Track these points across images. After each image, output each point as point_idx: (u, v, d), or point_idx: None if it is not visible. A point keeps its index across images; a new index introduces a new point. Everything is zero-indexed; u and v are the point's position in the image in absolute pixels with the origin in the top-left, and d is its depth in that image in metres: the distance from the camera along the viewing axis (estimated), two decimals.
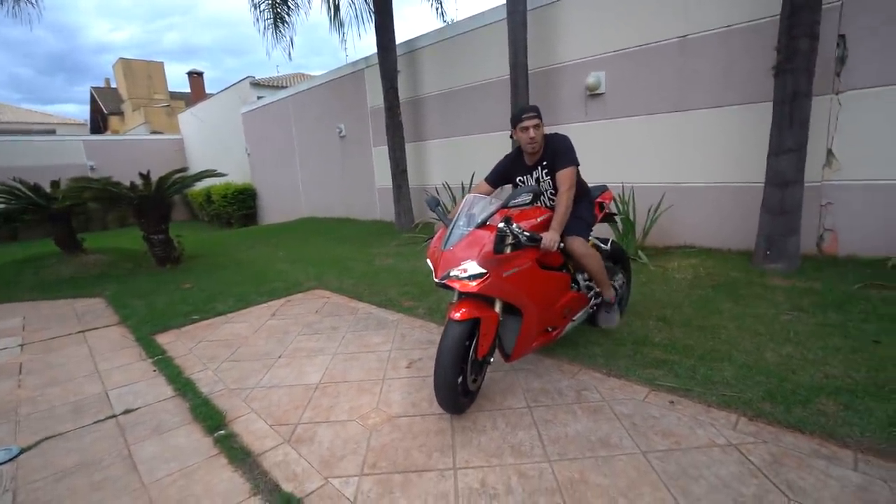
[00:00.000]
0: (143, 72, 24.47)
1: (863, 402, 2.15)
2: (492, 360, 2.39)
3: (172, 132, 20.27)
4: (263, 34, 8.48)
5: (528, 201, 2.26)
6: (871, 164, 4.14)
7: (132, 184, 6.28)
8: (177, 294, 5.13)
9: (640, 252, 4.87)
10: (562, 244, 2.49)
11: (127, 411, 2.66)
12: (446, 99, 7.83)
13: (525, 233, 2.19)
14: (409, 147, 8.21)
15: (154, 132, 21.18)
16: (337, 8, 8.86)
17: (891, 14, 3.89)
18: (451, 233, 2.29)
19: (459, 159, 7.76)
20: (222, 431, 2.37)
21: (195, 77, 23.16)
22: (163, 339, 3.78)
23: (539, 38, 6.05)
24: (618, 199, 4.99)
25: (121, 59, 24.21)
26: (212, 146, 17.30)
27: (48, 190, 6.98)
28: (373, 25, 7.75)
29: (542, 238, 2.28)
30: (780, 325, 3.08)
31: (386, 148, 8.14)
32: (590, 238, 2.84)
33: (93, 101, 27.92)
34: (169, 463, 2.15)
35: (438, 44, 7.75)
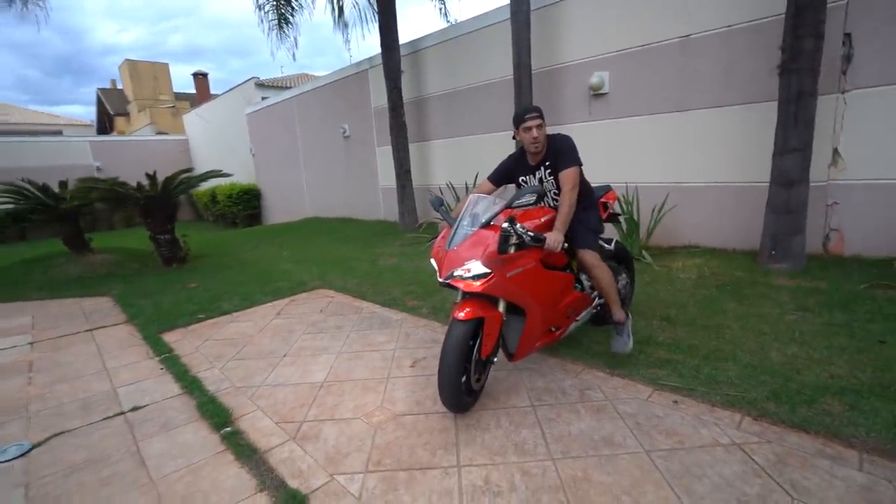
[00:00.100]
0: (148, 73, 24.66)
1: (868, 402, 2.15)
2: (495, 359, 2.40)
3: (177, 133, 20.41)
4: (268, 35, 8.53)
5: (532, 202, 2.27)
6: (877, 164, 4.12)
7: (139, 184, 6.33)
8: (183, 293, 5.17)
9: (643, 252, 4.87)
10: (565, 244, 2.50)
11: (135, 408, 2.69)
12: (450, 99, 7.85)
13: (529, 233, 2.19)
14: (412, 147, 8.23)
15: (159, 133, 21.34)
16: (341, 9, 8.90)
17: None
18: (455, 233, 2.30)
19: (463, 159, 7.77)
20: (229, 428, 2.39)
21: (200, 78, 23.33)
22: (169, 338, 3.82)
23: (543, 38, 6.05)
24: (622, 199, 4.98)
25: (127, 60, 24.40)
26: (217, 147, 17.40)
27: (56, 190, 7.06)
28: (376, 26, 7.77)
29: (545, 238, 2.28)
30: (785, 324, 3.07)
31: (390, 148, 8.17)
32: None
33: (99, 103, 28.15)
34: (176, 459, 2.18)
35: (442, 44, 7.76)
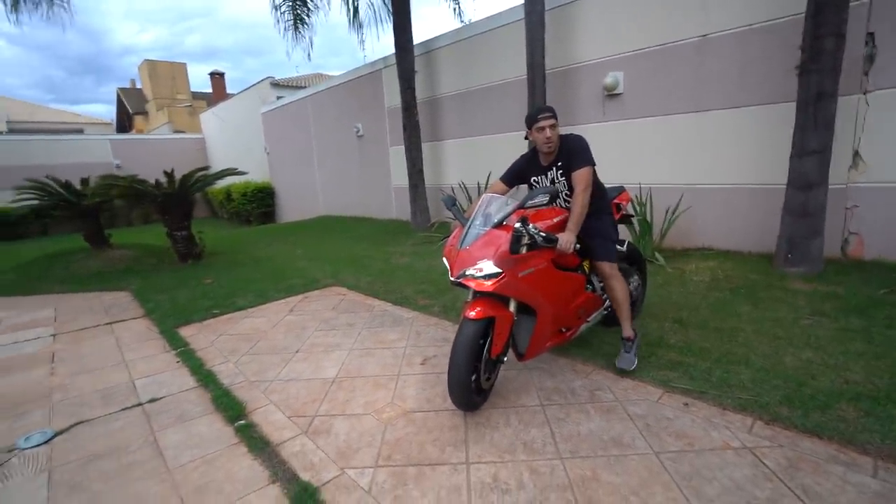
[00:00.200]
0: (167, 73, 25.11)
1: (885, 409, 2.11)
2: (505, 359, 2.41)
3: (194, 131, 20.74)
4: (284, 35, 8.66)
5: (545, 202, 2.27)
6: None
7: (157, 181, 6.48)
8: (198, 289, 5.28)
9: (656, 254, 4.82)
10: (577, 245, 2.50)
11: (152, 400, 2.77)
12: (463, 99, 7.86)
13: (541, 233, 2.19)
14: (425, 147, 8.27)
15: (177, 131, 21.71)
16: (356, 9, 8.97)
17: None
18: (467, 232, 2.31)
19: (475, 159, 7.78)
20: (242, 421, 2.45)
21: (217, 78, 23.70)
22: (185, 332, 3.91)
23: (557, 38, 6.04)
24: (635, 200, 4.95)
25: (146, 60, 24.89)
26: (232, 145, 17.66)
27: (78, 187, 7.25)
28: (391, 26, 7.83)
29: (558, 239, 2.28)
30: (801, 329, 3.03)
31: (403, 147, 8.21)
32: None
33: (119, 102, 28.75)
34: (192, 450, 2.23)
35: (456, 44, 7.78)
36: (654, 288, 3.97)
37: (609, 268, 2.63)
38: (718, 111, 4.95)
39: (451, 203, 2.67)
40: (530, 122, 2.60)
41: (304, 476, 1.98)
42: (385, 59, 9.19)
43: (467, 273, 2.17)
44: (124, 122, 28.61)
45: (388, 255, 6.48)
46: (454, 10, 9.99)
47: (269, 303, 4.60)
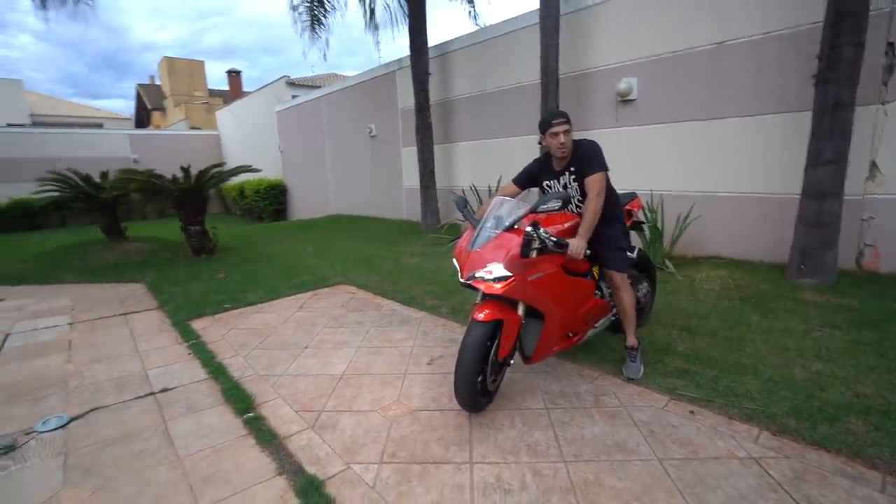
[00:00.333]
0: (185, 70, 25.56)
1: (895, 424, 2.09)
2: (512, 361, 2.42)
3: (210, 128, 21.07)
4: (301, 35, 8.76)
5: (557, 207, 2.27)
6: None
7: (173, 176, 6.60)
8: (211, 283, 5.37)
9: (667, 261, 4.80)
10: (588, 251, 2.50)
11: (164, 390, 2.83)
12: (476, 102, 7.89)
13: (552, 238, 2.20)
14: (437, 148, 8.31)
15: (193, 128, 22.08)
16: (373, 11, 9.06)
17: None
18: (478, 234, 2.33)
19: (487, 162, 7.80)
20: (251, 414, 2.49)
21: (233, 76, 24.05)
22: (197, 325, 3.98)
23: (571, 43, 6.04)
24: (646, 206, 4.93)
25: (165, 57, 25.38)
26: (247, 143, 17.90)
27: (97, 180, 7.41)
28: (406, 28, 7.89)
29: (568, 244, 2.28)
30: (811, 340, 3.00)
31: (415, 149, 8.27)
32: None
33: (138, 97, 29.31)
34: (202, 439, 2.28)
35: (470, 47, 7.82)
36: (663, 295, 3.95)
37: (619, 278, 2.64)
38: (732, 119, 4.92)
39: (463, 204, 2.69)
40: (544, 127, 2.58)
41: (310, 469, 2.02)
42: (400, 60, 9.26)
43: (477, 275, 2.19)
44: (142, 118, 29.15)
45: (397, 255, 6.53)
46: (469, 12, 10.03)
47: (280, 299, 4.66)
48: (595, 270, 2.77)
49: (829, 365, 2.66)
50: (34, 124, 19.64)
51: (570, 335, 2.61)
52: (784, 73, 4.50)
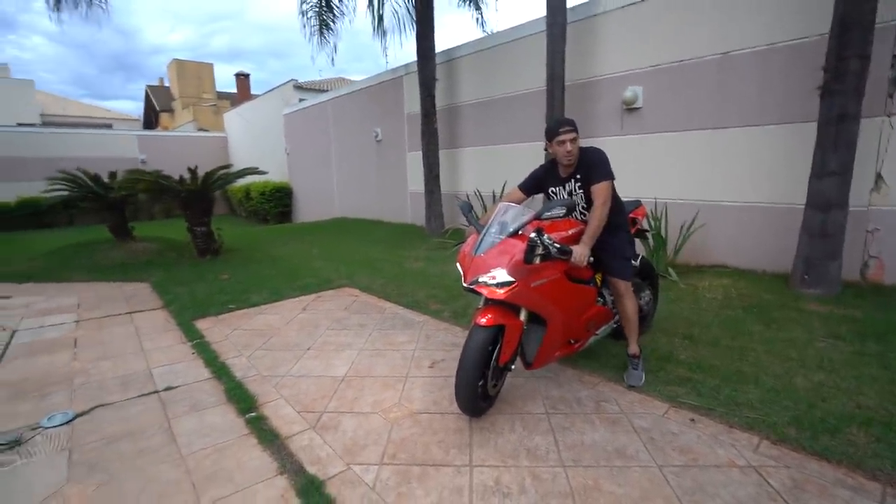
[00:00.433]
0: (194, 72, 25.83)
1: None
2: (513, 366, 2.43)
3: (218, 130, 21.24)
4: (309, 40, 8.84)
5: (561, 214, 2.28)
6: None
7: (181, 177, 6.67)
8: (215, 284, 5.41)
9: (670, 269, 4.80)
10: (591, 258, 2.50)
11: (168, 388, 2.86)
12: (482, 108, 7.94)
13: (556, 245, 2.21)
14: (442, 154, 8.36)
15: (201, 130, 22.26)
16: (381, 17, 9.14)
17: None
18: (482, 239, 2.34)
19: (492, 168, 7.84)
20: (253, 414, 2.51)
21: (241, 78, 24.28)
22: (201, 325, 4.01)
23: (577, 51, 6.08)
24: (650, 214, 4.94)
25: (175, 59, 25.65)
26: (254, 145, 18.04)
27: (106, 180, 7.50)
28: (414, 34, 7.96)
29: (572, 251, 2.29)
30: (814, 351, 2.99)
31: (420, 153, 8.31)
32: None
33: (147, 99, 29.64)
34: (204, 438, 2.31)
35: (477, 54, 7.88)
36: (665, 303, 3.95)
37: (623, 286, 2.65)
38: (737, 129, 4.93)
39: (468, 209, 2.71)
40: (551, 135, 2.57)
41: (311, 469, 2.03)
42: (407, 66, 9.34)
43: (480, 280, 2.21)
44: (151, 119, 29.46)
45: (401, 258, 6.56)
46: (477, 19, 10.10)
47: (284, 300, 4.69)
48: (598, 278, 2.78)
49: (832, 375, 2.65)
50: (44, 124, 19.89)
51: (572, 342, 2.62)
52: (789, 84, 4.51)
